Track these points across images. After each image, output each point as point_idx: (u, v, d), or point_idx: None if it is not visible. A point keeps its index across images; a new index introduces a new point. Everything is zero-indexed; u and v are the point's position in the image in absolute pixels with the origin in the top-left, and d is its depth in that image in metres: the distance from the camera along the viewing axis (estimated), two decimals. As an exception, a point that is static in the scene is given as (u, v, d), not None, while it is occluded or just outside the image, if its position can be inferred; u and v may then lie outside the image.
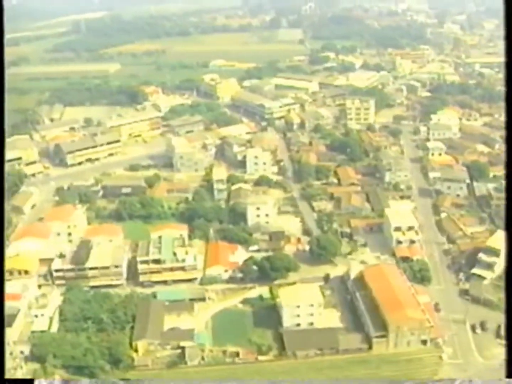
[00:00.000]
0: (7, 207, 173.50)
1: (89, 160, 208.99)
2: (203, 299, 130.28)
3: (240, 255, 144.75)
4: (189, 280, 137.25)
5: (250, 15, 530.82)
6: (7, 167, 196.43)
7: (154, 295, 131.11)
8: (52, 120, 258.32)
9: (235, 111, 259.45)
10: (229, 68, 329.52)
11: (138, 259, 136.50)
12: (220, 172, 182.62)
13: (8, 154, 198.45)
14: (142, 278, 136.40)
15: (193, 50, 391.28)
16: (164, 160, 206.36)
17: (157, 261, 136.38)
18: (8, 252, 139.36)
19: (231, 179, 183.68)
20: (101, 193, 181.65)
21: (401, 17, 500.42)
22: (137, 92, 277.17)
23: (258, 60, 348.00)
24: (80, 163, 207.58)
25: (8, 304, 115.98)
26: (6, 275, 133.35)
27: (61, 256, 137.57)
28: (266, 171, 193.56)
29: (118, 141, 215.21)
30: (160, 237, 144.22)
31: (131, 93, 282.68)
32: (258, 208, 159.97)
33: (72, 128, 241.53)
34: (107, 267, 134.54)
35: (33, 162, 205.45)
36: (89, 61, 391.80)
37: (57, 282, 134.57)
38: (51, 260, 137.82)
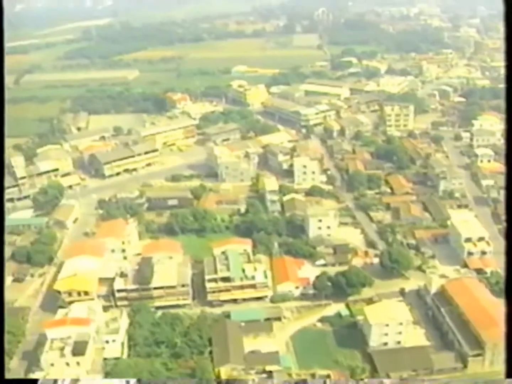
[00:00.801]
0: (49, 221, 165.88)
1: (126, 170, 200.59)
2: (278, 319, 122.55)
3: (307, 270, 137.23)
4: (260, 298, 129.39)
5: (262, 20, 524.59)
6: (43, 179, 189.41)
7: (226, 315, 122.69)
8: (79, 129, 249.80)
9: (268, 118, 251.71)
10: (252, 74, 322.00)
11: (206, 277, 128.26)
12: (272, 183, 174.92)
13: (43, 165, 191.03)
14: (210, 297, 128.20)
15: (210, 56, 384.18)
16: (206, 169, 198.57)
17: (226, 279, 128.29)
18: (65, 271, 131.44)
19: (281, 189, 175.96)
20: (146, 205, 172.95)
21: (414, 22, 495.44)
22: (164, 100, 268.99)
23: (278, 65, 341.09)
24: (117, 174, 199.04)
25: (77, 330, 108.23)
26: (65, 296, 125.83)
27: (122, 275, 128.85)
28: (314, 181, 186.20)
29: (155, 150, 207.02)
30: (223, 252, 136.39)
31: (157, 100, 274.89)
32: (320, 220, 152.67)
33: (102, 137, 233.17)
34: (173, 287, 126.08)
35: (68, 174, 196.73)
36: (104, 68, 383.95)
37: (120, 303, 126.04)
38: (111, 279, 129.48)
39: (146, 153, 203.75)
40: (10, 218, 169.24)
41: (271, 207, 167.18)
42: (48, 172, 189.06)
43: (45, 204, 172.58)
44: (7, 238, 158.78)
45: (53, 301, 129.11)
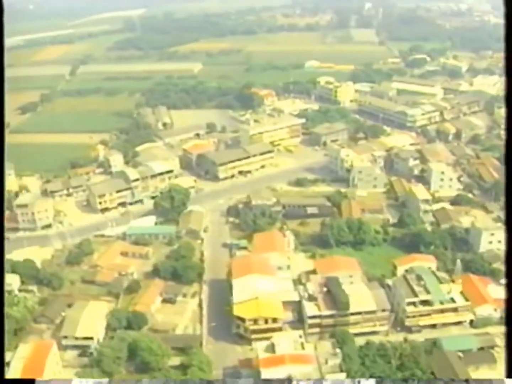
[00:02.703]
0: (180, 230, 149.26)
1: (241, 173, 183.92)
2: (491, 347, 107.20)
3: (495, 290, 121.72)
4: (459, 323, 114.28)
5: (309, 14, 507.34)
6: (157, 181, 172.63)
7: (433, 343, 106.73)
8: (164, 124, 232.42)
9: (365, 117, 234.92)
10: (327, 70, 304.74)
11: (406, 300, 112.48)
12: (422, 191, 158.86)
13: (156, 166, 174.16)
14: (408, 322, 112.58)
15: (271, 49, 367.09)
16: (328, 173, 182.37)
17: (425, 302, 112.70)
18: (240, 293, 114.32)
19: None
20: (282, 213, 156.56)
21: (468, 18, 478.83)
22: (251, 95, 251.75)
23: (346, 61, 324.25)
24: (232, 176, 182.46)
25: (299, 369, 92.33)
26: (249, 324, 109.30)
27: (311, 298, 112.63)
28: (451, 188, 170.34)
29: (271, 151, 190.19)
30: (408, 271, 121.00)
31: (240, 95, 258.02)
32: (492, 234, 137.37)
33: (197, 135, 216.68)
34: (372, 312, 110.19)
35: (178, 176, 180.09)
36: (161, 60, 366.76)
37: (310, 330, 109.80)
38: (295, 303, 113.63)
39: (261, 154, 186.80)
40: (133, 226, 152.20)
41: (425, 217, 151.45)
42: (162, 174, 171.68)
43: (170, 211, 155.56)
44: (133, 249, 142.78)
45: (224, 328, 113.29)
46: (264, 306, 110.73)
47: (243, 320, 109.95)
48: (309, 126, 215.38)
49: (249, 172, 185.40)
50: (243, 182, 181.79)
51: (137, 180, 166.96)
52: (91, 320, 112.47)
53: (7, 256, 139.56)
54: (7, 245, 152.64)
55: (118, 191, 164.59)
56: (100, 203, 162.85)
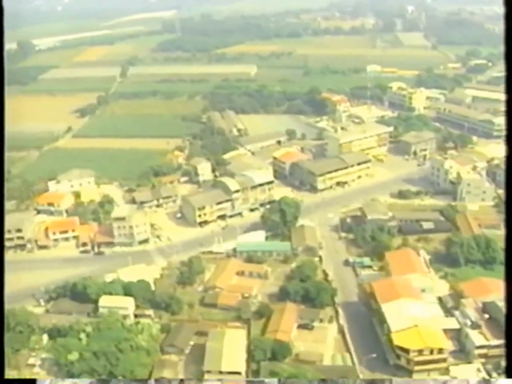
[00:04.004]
0: (296, 247, 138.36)
1: (338, 184, 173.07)
2: None
3: None
4: None
5: (350, 17, 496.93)
6: (257, 193, 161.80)
7: None
8: (239, 130, 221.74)
9: (446, 125, 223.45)
10: (390, 75, 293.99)
11: None
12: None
13: (254, 176, 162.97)
14: None
15: (323, 53, 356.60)
16: (431, 185, 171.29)
17: None
18: (396, 321, 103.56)
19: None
20: (396, 229, 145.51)
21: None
22: (324, 101, 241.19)
23: (403, 65, 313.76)
24: (330, 187, 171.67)
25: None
26: (414, 355, 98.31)
27: (474, 326, 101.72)
28: None
29: (368, 161, 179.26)
30: None
31: (311, 100, 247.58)
32: None
33: (278, 142, 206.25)
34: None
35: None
36: (210, 62, 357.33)
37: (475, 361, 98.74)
38: (455, 331, 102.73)
39: (358, 164, 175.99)
40: (243, 242, 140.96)
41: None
42: (262, 185, 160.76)
43: (280, 225, 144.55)
44: (250, 268, 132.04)
45: (378, 358, 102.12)
46: (426, 335, 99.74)
47: (404, 350, 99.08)
48: (394, 134, 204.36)
49: (345, 183, 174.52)
50: (342, 193, 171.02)
51: (237, 191, 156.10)
52: (234, 351, 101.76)
53: (111, 275, 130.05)
54: (103, 262, 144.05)
55: (218, 203, 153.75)
56: (199, 215, 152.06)
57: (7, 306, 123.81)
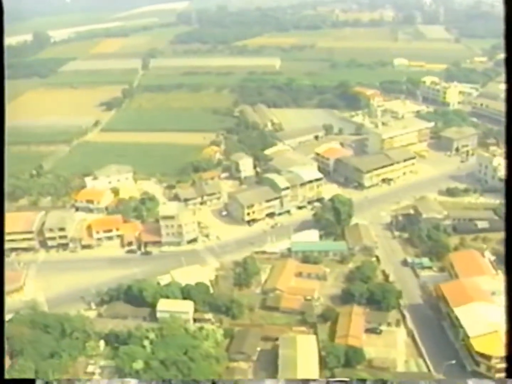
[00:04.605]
0: (352, 247, 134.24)
1: (383, 180, 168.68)
2: None
3: None
4: None
5: (368, 9, 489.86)
6: (306, 190, 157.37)
7: None
8: (273, 124, 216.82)
9: (485, 121, 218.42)
10: (419, 69, 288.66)
11: None
12: None
13: (303, 173, 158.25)
14: None
15: (347, 46, 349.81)
16: (479, 183, 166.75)
17: None
18: (475, 327, 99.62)
19: None
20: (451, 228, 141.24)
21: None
22: (357, 95, 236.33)
23: (428, 59, 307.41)
24: (376, 185, 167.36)
25: None
26: (496, 362, 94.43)
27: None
28: None
29: (413, 157, 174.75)
30: None
31: (342, 94, 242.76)
32: None
33: (316, 137, 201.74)
34: None
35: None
36: (232, 54, 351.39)
37: None
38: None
39: (404, 160, 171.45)
40: (297, 242, 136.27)
41: None
42: (311, 181, 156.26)
43: (333, 224, 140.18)
44: (308, 269, 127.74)
45: (455, 365, 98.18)
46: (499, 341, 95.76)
47: (485, 356, 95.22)
48: (433, 130, 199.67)
49: (391, 180, 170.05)
50: (388, 191, 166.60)
51: (287, 188, 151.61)
52: (307, 358, 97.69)
53: (165, 276, 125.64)
54: (151, 262, 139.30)
55: (267, 201, 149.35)
56: (248, 214, 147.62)
57: (58, 309, 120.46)
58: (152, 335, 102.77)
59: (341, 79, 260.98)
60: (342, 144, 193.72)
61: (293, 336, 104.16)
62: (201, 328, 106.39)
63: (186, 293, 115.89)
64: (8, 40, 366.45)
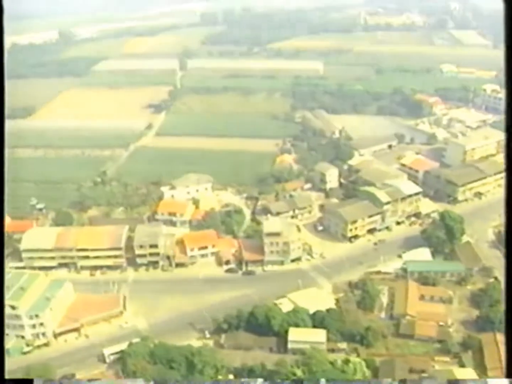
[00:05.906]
0: (471, 266, 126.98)
1: (475, 194, 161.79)
2: None
3: None
4: None
5: (395, 13, 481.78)
6: (405, 204, 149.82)
7: None
8: (340, 132, 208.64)
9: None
10: (468, 76, 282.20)
11: None
12: None
13: (402, 187, 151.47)
14: None
15: (384, 50, 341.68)
16: None
17: None
18: None
19: None
20: None
21: None
22: (419, 102, 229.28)
23: (471, 64, 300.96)
24: (469, 199, 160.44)
25: None
26: None
27: None
28: None
29: (502, 171, 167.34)
30: None
31: (403, 102, 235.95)
32: None
33: (389, 146, 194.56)
34: None
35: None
36: (269, 57, 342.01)
37: None
38: None
39: (495, 174, 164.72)
40: (411, 261, 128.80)
41: None
42: (411, 196, 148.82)
43: (445, 242, 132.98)
44: (431, 291, 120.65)
45: None
46: None
47: None
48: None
49: (482, 194, 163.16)
50: (481, 205, 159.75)
51: (388, 203, 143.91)
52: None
53: (283, 300, 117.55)
54: (257, 283, 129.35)
55: (369, 216, 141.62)
56: (350, 230, 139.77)
57: (165, 339, 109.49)
58: (299, 372, 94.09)
59: (392, 85, 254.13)
60: (418, 155, 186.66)
61: (449, 370, 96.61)
62: (347, 361, 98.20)
63: (318, 320, 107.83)
64: (33, 38, 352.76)
